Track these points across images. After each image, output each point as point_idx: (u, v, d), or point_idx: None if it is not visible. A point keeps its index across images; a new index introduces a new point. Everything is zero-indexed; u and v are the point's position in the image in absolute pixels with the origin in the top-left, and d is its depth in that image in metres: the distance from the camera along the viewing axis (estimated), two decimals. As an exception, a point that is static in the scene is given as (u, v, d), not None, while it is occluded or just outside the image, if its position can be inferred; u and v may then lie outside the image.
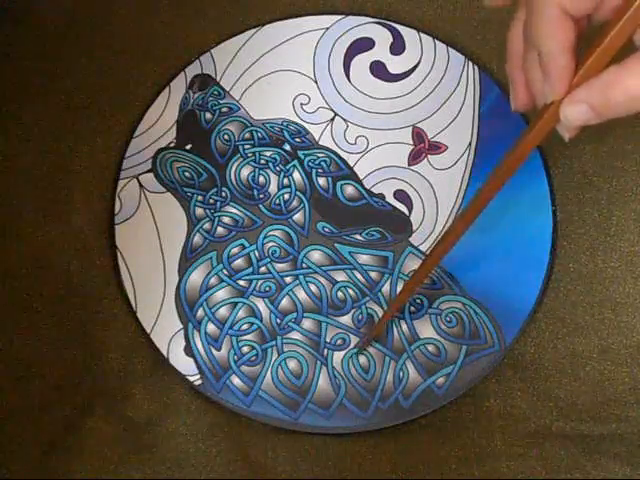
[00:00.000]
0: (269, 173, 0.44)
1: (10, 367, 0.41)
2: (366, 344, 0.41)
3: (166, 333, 0.41)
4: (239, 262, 0.42)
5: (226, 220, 0.43)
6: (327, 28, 0.46)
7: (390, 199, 0.43)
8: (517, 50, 0.31)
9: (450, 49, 0.45)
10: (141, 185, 0.44)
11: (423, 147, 0.44)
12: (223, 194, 0.44)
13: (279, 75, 0.46)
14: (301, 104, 0.45)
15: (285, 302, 0.42)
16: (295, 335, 0.41)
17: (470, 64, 0.45)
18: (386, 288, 0.42)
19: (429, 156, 0.44)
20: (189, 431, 0.40)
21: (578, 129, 0.28)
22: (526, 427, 0.40)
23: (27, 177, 0.45)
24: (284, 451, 0.40)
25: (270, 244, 0.43)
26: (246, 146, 0.45)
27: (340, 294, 0.42)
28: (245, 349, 0.41)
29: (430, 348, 0.41)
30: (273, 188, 0.44)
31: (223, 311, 0.42)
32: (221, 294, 0.42)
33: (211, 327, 0.41)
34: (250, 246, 0.43)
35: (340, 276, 0.42)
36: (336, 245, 0.43)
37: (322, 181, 0.44)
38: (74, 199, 0.44)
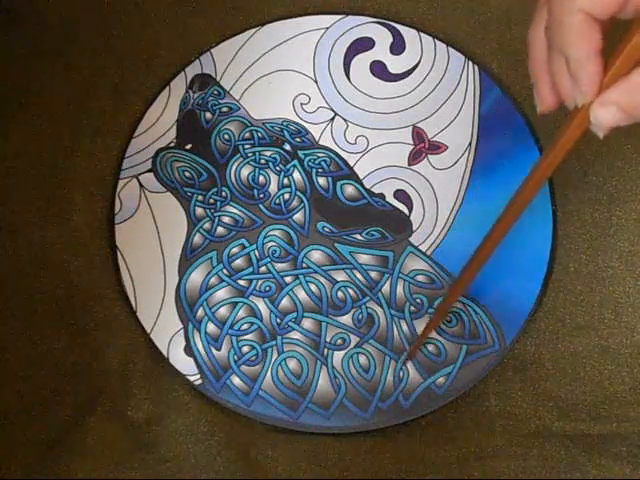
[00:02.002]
0: (269, 173, 0.44)
1: (10, 367, 0.41)
2: None
3: (166, 333, 0.41)
4: (239, 262, 0.42)
5: (226, 220, 0.43)
6: (327, 28, 0.46)
7: (390, 199, 0.43)
8: (540, 52, 0.30)
9: (450, 49, 0.45)
10: (141, 185, 0.44)
11: (423, 147, 0.44)
12: (223, 194, 0.44)
13: (279, 75, 0.46)
14: (301, 104, 0.45)
15: (285, 302, 0.42)
16: (295, 335, 0.41)
17: (470, 64, 0.45)
18: (386, 288, 0.42)
19: (429, 156, 0.44)
20: (189, 431, 0.40)
21: (611, 128, 0.28)
22: (526, 427, 0.40)
23: (27, 177, 0.45)
24: (284, 451, 0.40)
25: (270, 244, 0.43)
26: (246, 146, 0.45)
27: (340, 294, 0.42)
28: (245, 349, 0.41)
29: (430, 348, 0.41)
30: (273, 188, 0.44)
31: (223, 311, 0.42)
32: (221, 294, 0.42)
33: (211, 327, 0.41)
34: (250, 246, 0.43)
35: (340, 276, 0.42)
36: (336, 245, 0.43)
37: (322, 181, 0.44)
38: (74, 199, 0.44)
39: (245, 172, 0.44)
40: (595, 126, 0.28)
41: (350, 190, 0.44)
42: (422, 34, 0.46)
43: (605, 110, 0.27)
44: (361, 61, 0.46)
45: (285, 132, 0.45)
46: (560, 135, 0.29)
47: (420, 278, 0.42)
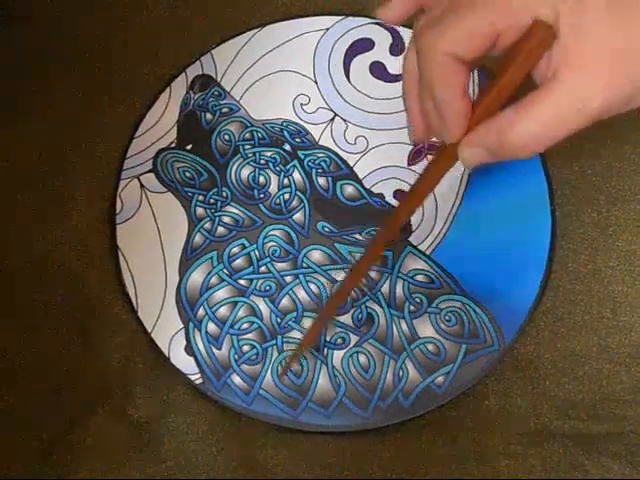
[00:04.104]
0: (269, 173, 0.44)
1: (11, 367, 0.41)
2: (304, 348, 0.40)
3: (167, 332, 0.41)
4: (239, 262, 0.43)
5: (226, 220, 0.43)
6: (327, 29, 0.46)
7: (390, 199, 0.43)
8: (413, 85, 0.30)
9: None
10: (142, 185, 0.44)
11: (423, 147, 0.44)
12: (224, 194, 0.44)
13: (279, 75, 0.46)
14: (301, 104, 0.45)
15: (285, 301, 0.42)
16: (295, 334, 0.41)
17: (469, 65, 0.45)
18: (385, 287, 0.42)
19: (429, 156, 0.44)
20: (190, 430, 0.40)
21: (479, 164, 0.28)
22: (525, 426, 0.40)
23: (28, 177, 0.45)
24: (284, 450, 0.40)
25: (270, 244, 0.43)
26: (246, 146, 0.45)
27: (340, 293, 0.42)
28: (245, 348, 0.41)
29: (430, 347, 0.41)
30: (273, 188, 0.44)
31: (224, 310, 0.42)
32: (221, 293, 0.42)
33: (212, 326, 0.41)
34: (250, 246, 0.43)
35: (340, 275, 0.42)
36: (336, 245, 0.43)
37: (322, 181, 0.44)
38: (75, 199, 0.44)
39: (245, 172, 0.44)
40: (462, 162, 0.28)
41: (350, 190, 0.44)
42: (421, 35, 0.46)
43: (472, 150, 0.27)
44: (361, 62, 0.46)
45: (285, 132, 0.45)
46: (429, 168, 0.29)
47: (419, 278, 0.42)
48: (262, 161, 0.44)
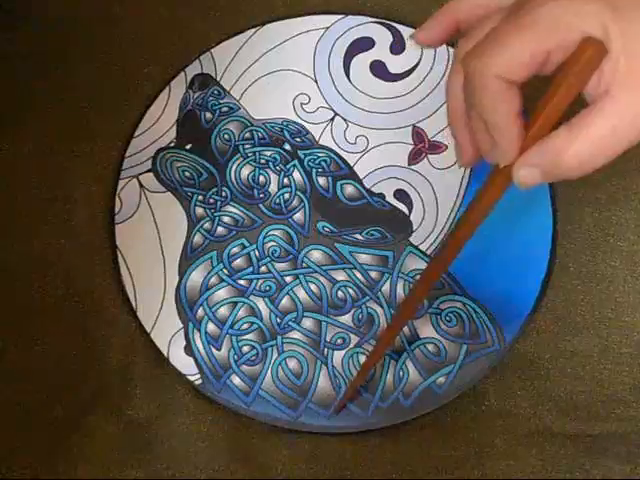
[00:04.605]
0: (269, 173, 0.44)
1: (11, 367, 0.41)
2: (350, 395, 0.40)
3: (166, 333, 0.41)
4: (239, 262, 0.42)
5: (226, 220, 0.43)
6: (327, 28, 0.46)
7: (390, 198, 0.43)
8: (459, 107, 0.29)
9: (450, 49, 0.46)
10: (141, 185, 0.44)
11: (423, 147, 0.44)
12: (223, 194, 0.44)
13: (279, 75, 0.46)
14: (301, 104, 0.45)
15: (285, 301, 0.42)
16: (295, 334, 0.41)
17: (470, 64, 0.45)
18: (386, 287, 0.42)
19: (429, 155, 0.44)
20: (189, 430, 0.40)
21: (534, 185, 0.28)
22: (526, 426, 0.40)
23: (27, 177, 0.45)
24: (284, 451, 0.40)
25: (270, 243, 0.43)
26: (246, 146, 0.45)
27: (340, 293, 0.42)
28: (245, 348, 0.41)
29: (430, 347, 0.41)
30: (273, 188, 0.44)
31: (223, 311, 0.42)
32: (221, 294, 0.42)
33: (211, 327, 0.41)
34: (250, 246, 0.43)
35: (340, 275, 0.42)
36: (336, 245, 0.43)
37: (322, 181, 0.44)
38: (74, 199, 0.44)
39: (245, 172, 0.44)
40: (517, 184, 0.28)
41: (350, 190, 0.44)
42: (422, 34, 0.46)
43: (527, 171, 0.27)
44: (361, 61, 0.46)
45: (285, 132, 0.45)
46: (482, 192, 0.29)
47: (420, 278, 0.42)
48: (262, 161, 0.44)
